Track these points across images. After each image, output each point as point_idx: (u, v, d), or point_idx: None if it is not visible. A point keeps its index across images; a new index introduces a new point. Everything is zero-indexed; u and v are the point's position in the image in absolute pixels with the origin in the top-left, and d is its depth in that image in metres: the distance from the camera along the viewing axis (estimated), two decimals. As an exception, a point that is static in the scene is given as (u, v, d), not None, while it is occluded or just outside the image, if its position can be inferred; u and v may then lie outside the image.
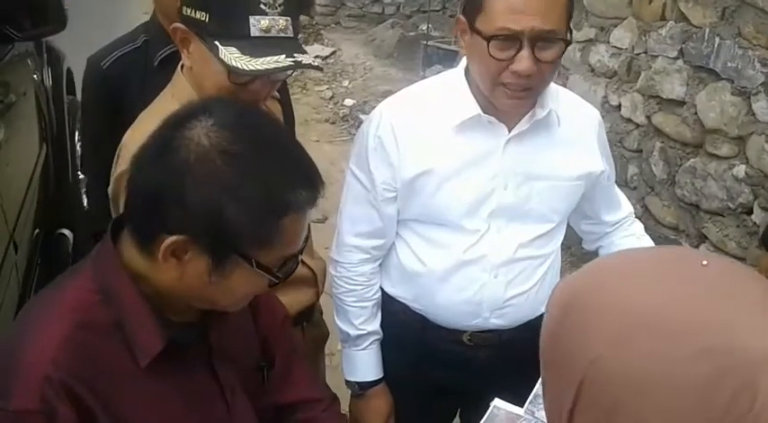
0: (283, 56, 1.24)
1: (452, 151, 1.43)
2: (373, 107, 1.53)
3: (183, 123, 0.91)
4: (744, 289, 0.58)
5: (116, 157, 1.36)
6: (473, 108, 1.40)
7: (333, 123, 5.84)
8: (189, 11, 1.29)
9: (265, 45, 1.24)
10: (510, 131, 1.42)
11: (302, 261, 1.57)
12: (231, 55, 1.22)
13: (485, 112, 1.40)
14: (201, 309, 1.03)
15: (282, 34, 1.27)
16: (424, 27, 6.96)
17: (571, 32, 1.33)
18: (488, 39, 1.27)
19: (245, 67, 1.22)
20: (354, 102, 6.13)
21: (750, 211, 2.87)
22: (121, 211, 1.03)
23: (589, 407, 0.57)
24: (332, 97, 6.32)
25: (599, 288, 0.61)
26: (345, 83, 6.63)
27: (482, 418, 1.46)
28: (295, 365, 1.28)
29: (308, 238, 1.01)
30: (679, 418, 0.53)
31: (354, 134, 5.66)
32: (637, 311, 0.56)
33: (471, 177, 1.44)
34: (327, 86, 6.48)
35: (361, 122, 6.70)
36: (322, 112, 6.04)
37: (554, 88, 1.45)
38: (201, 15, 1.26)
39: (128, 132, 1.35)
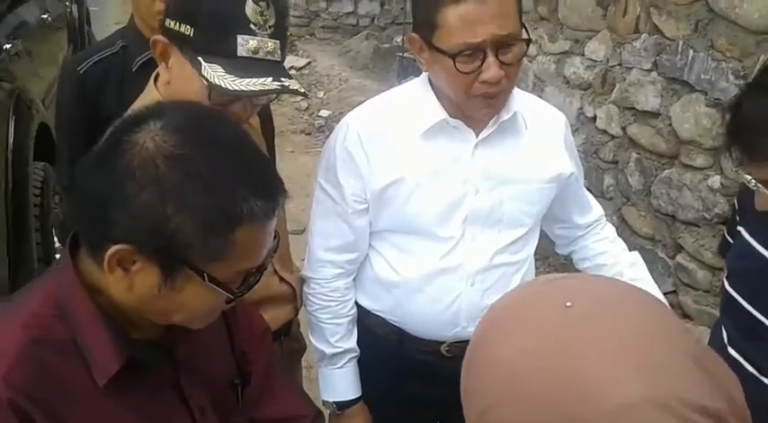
0: (270, 79, 1.20)
1: (422, 159, 1.42)
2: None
3: (132, 127, 0.86)
4: (603, 334, 0.55)
5: None
6: (439, 113, 1.39)
7: (308, 134, 5.81)
8: (173, 23, 1.22)
9: (251, 67, 1.19)
10: (477, 136, 1.41)
11: (282, 278, 1.54)
12: (215, 72, 1.17)
13: (451, 117, 1.39)
14: (165, 326, 0.98)
15: (270, 57, 1.22)
16: (399, 39, 6.97)
17: (527, 30, 1.33)
18: (453, 56, 1.26)
19: (228, 87, 1.16)
20: (330, 112, 6.10)
21: (725, 222, 2.88)
22: None
23: None
24: (307, 108, 6.28)
25: (483, 339, 0.62)
26: (321, 94, 6.60)
27: None
28: (276, 380, 1.24)
29: (275, 250, 0.94)
30: None
31: (330, 145, 5.68)
32: (501, 374, 0.57)
33: (442, 184, 1.42)
34: (302, 97, 6.44)
35: (336, 134, 6.63)
36: (297, 123, 6.00)
37: (517, 92, 1.45)
38: (186, 29, 1.20)
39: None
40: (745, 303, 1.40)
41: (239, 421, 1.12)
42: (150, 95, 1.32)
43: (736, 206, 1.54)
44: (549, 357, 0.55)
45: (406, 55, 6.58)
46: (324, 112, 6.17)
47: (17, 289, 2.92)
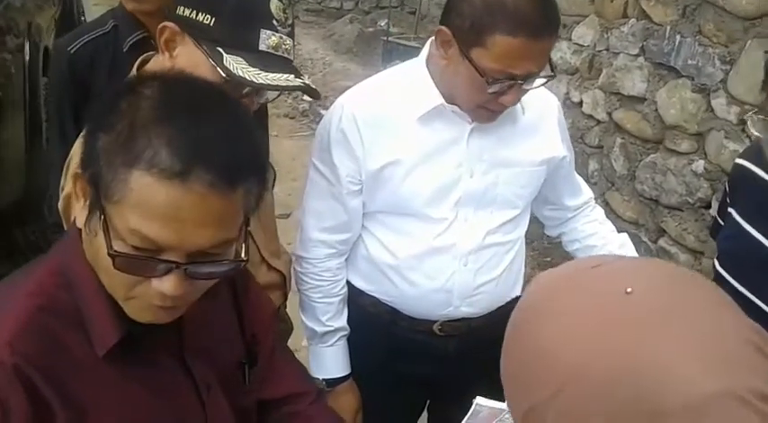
0: (292, 76, 1.18)
1: (417, 141, 1.42)
2: (333, 103, 1.50)
3: (129, 89, 0.84)
4: (671, 322, 0.52)
5: (64, 169, 1.26)
6: (436, 98, 1.39)
7: (292, 118, 5.77)
8: (187, 11, 1.18)
9: (271, 62, 1.17)
10: (473, 120, 1.41)
11: (271, 266, 1.53)
12: (238, 64, 1.14)
13: (448, 102, 1.39)
14: None
15: (286, 55, 1.21)
16: (383, 23, 6.95)
17: (551, 64, 1.37)
18: (488, 78, 1.28)
19: (254, 80, 1.13)
20: (314, 96, 6.07)
21: (708, 206, 2.92)
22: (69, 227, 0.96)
23: None
24: (291, 92, 6.24)
25: (532, 323, 0.58)
26: (305, 78, 6.55)
27: (455, 409, 1.44)
28: (279, 360, 1.23)
29: (247, 243, 0.87)
30: None
31: (315, 129, 5.64)
32: (563, 362, 0.53)
33: (437, 166, 1.42)
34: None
35: (321, 117, 6.64)
36: (281, 107, 5.96)
37: None
38: (205, 18, 1.16)
39: (77, 141, 1.20)
40: (735, 283, 1.42)
41: (247, 402, 1.11)
42: None
43: (727, 188, 1.55)
44: (619, 346, 0.51)
45: (390, 39, 6.56)
46: (307, 97, 6.13)
47: (33, 169, 3.08)
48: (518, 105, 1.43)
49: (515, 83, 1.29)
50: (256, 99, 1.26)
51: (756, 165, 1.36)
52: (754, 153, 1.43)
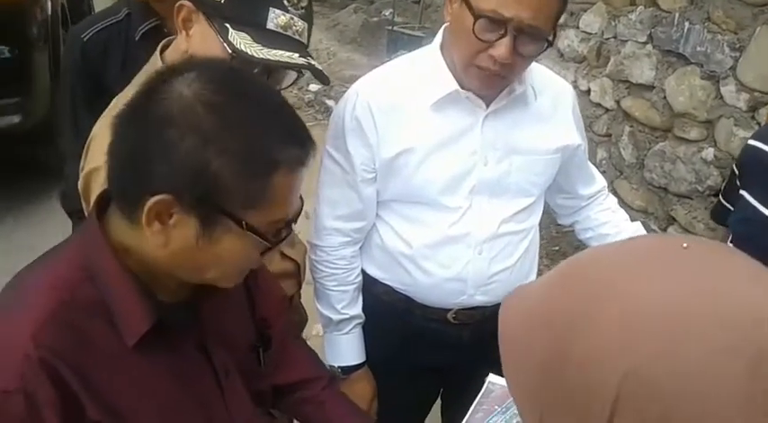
0: (296, 55, 1.18)
1: (431, 129, 1.41)
2: (339, 92, 1.51)
3: (165, 78, 0.85)
4: (734, 266, 0.53)
5: (85, 149, 1.27)
6: (451, 84, 1.38)
7: (298, 108, 5.71)
8: None
9: (279, 40, 1.17)
10: (488, 107, 1.41)
11: (285, 254, 1.54)
12: (242, 40, 1.15)
13: (462, 88, 1.38)
14: (192, 287, 0.98)
15: (297, 37, 1.20)
16: (387, 13, 6.92)
17: (555, 35, 1.33)
18: (476, 17, 1.25)
19: (255, 55, 1.14)
20: (319, 87, 6.05)
21: (718, 194, 2.91)
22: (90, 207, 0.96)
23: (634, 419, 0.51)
24: (296, 82, 6.22)
25: (608, 293, 0.53)
26: (312, 60, 6.54)
27: (469, 395, 1.44)
28: (292, 345, 1.25)
29: (300, 211, 0.94)
30: (730, 414, 0.48)
31: (320, 119, 5.65)
32: (662, 313, 0.50)
33: (451, 154, 1.42)
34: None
35: (327, 108, 6.61)
36: (286, 98, 5.95)
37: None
38: None
39: (98, 122, 1.25)
40: None
41: (262, 387, 1.12)
42: (155, 68, 1.29)
43: (737, 171, 1.55)
44: (704, 291, 0.50)
45: (395, 28, 6.54)
46: (313, 87, 6.12)
47: (55, 95, 3.62)
48: (530, 90, 1.43)
49: (506, 33, 1.25)
50: (272, 80, 1.26)
51: None
52: (765, 133, 1.43)
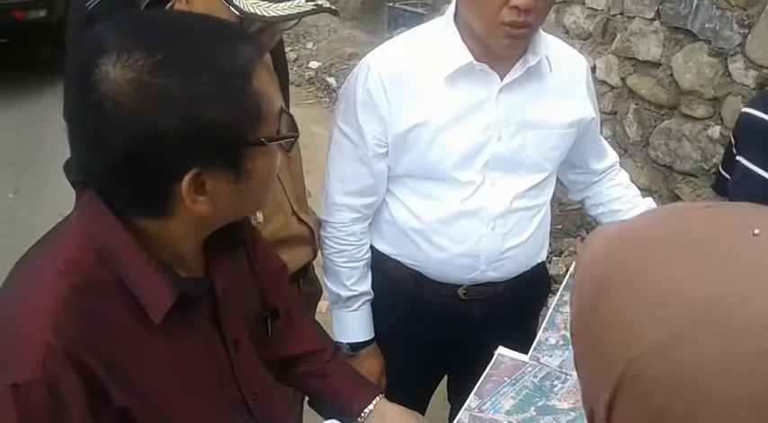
0: (303, 0, 1.15)
1: (445, 102, 1.38)
2: (340, 70, 1.49)
3: (91, 80, 0.77)
4: None
5: None
6: (465, 56, 1.35)
7: (298, 86, 5.71)
8: None
9: None
10: (502, 80, 1.38)
11: (300, 219, 1.53)
12: (247, 1, 1.13)
13: (477, 60, 1.35)
14: (205, 262, 0.97)
15: None
16: (389, -11, 6.84)
17: None
18: None
19: (265, 14, 1.12)
20: (320, 64, 6.00)
21: (724, 172, 2.90)
22: None
23: (635, 400, 0.50)
24: (296, 59, 6.17)
25: (640, 268, 0.51)
26: (309, 45, 6.49)
27: (476, 370, 1.45)
28: (295, 317, 1.24)
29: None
30: (739, 405, 0.45)
31: (321, 97, 5.61)
32: (693, 302, 0.47)
33: (464, 129, 1.40)
34: (291, 48, 6.32)
35: (327, 85, 6.55)
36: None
37: (542, 34, 1.41)
38: None
39: None
40: None
41: (269, 357, 1.12)
42: None
43: (733, 140, 1.57)
44: (755, 288, 0.46)
45: (396, 5, 6.47)
46: (313, 64, 6.07)
47: None
48: (545, 63, 1.40)
49: None
50: (278, 29, 1.25)
51: (763, 111, 1.41)
52: (759, 100, 1.47)
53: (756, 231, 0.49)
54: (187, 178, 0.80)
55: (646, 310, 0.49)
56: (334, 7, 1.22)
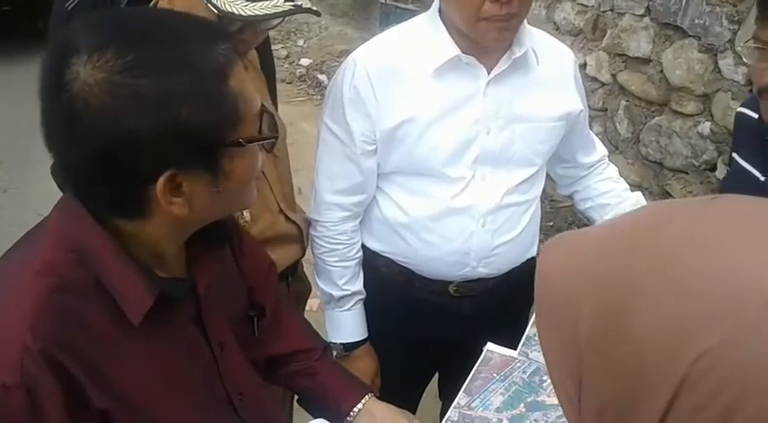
0: (282, 0, 1.15)
1: (432, 97, 1.38)
2: (331, 67, 1.48)
3: (61, 80, 0.76)
4: None
5: None
6: (451, 49, 1.35)
7: (289, 83, 5.70)
8: None
9: None
10: (489, 73, 1.38)
11: (288, 217, 1.52)
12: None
13: (464, 53, 1.35)
14: (187, 262, 0.96)
15: None
16: (381, -14, 6.82)
17: None
18: None
19: (241, 13, 1.11)
20: (311, 61, 5.99)
21: (714, 168, 2.91)
22: None
23: (696, 410, 0.46)
24: (287, 56, 6.16)
25: (675, 266, 0.47)
26: (300, 42, 6.47)
27: (466, 367, 1.45)
28: (284, 315, 1.23)
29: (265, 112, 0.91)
30: None
31: (312, 94, 5.59)
32: (746, 287, 0.44)
33: (452, 124, 1.39)
34: (282, 45, 6.31)
35: (318, 83, 6.53)
36: (277, 72, 5.86)
37: (528, 27, 1.41)
38: None
39: None
40: None
41: (255, 357, 1.11)
42: None
43: (733, 140, 1.61)
44: None
45: (387, 2, 6.46)
46: (304, 61, 6.06)
47: None
48: (531, 55, 1.40)
49: None
50: (259, 30, 1.24)
51: (754, 110, 1.42)
52: (751, 100, 1.50)
53: None
54: (162, 179, 0.79)
55: (696, 308, 0.46)
56: (314, 8, 1.21)
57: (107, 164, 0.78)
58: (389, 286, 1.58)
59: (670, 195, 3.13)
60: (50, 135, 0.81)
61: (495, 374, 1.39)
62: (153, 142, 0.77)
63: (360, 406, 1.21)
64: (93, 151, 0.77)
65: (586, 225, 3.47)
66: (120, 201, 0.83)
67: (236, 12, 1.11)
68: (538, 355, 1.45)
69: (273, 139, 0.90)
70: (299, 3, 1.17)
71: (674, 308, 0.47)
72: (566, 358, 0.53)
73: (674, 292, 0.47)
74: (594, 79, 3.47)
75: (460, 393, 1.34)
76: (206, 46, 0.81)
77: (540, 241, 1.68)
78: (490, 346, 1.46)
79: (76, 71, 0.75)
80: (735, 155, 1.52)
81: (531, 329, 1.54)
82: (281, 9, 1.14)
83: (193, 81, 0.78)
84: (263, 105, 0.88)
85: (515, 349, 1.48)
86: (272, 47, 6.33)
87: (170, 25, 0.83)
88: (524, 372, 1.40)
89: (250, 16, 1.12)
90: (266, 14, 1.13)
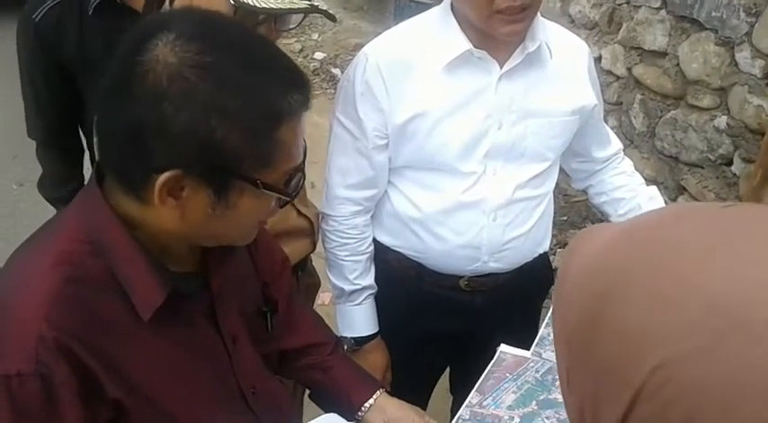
0: None
1: (444, 92, 1.37)
2: (345, 61, 1.48)
3: (142, 45, 0.78)
4: None
5: None
6: (463, 44, 1.34)
7: (302, 78, 5.70)
8: None
9: None
10: (501, 67, 1.37)
11: (300, 211, 1.52)
12: None
13: (476, 47, 1.34)
14: (201, 257, 0.96)
15: None
16: (394, -21, 6.79)
17: None
18: None
19: (258, 5, 1.11)
20: (325, 55, 5.98)
21: (730, 163, 2.88)
22: None
23: (652, 419, 0.46)
24: (301, 50, 6.15)
25: (658, 272, 0.47)
26: (315, 36, 6.45)
27: (478, 363, 1.44)
28: (296, 310, 1.24)
29: (305, 153, 0.91)
30: None
31: (326, 88, 5.59)
32: (720, 303, 0.43)
33: (464, 118, 1.38)
34: (296, 39, 6.30)
35: (332, 76, 6.52)
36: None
37: (542, 20, 1.40)
38: None
39: None
40: None
41: (268, 351, 1.11)
42: None
43: None
44: None
45: (401, -4, 6.44)
46: (318, 55, 6.05)
47: None
48: (545, 49, 1.39)
49: None
50: (276, 27, 1.23)
51: None
52: None
53: None
54: (167, 174, 0.79)
55: (667, 316, 0.45)
56: (330, 11, 1.21)
57: (134, 136, 0.79)
58: (400, 281, 1.58)
59: (685, 190, 3.10)
60: (105, 91, 0.82)
61: (507, 374, 1.39)
62: (177, 138, 0.77)
63: (371, 401, 1.21)
64: (127, 120, 0.79)
65: (600, 220, 3.44)
66: (126, 170, 0.83)
67: (251, 3, 1.11)
68: (551, 355, 1.44)
69: (288, 200, 0.88)
70: (316, 3, 1.17)
71: (645, 314, 0.46)
72: (561, 351, 0.53)
73: (648, 297, 0.46)
74: (609, 73, 3.44)
75: (472, 393, 1.34)
76: (281, 87, 0.81)
77: (554, 236, 1.66)
78: (503, 347, 1.45)
79: (156, 45, 0.77)
80: None
81: (544, 329, 1.53)
82: (298, 6, 1.15)
83: (247, 110, 0.79)
84: (301, 168, 0.88)
85: (526, 345, 1.47)
86: (287, 41, 6.28)
87: (262, 51, 0.84)
88: (537, 371, 1.39)
89: (265, 8, 1.12)
90: (281, 9, 1.14)
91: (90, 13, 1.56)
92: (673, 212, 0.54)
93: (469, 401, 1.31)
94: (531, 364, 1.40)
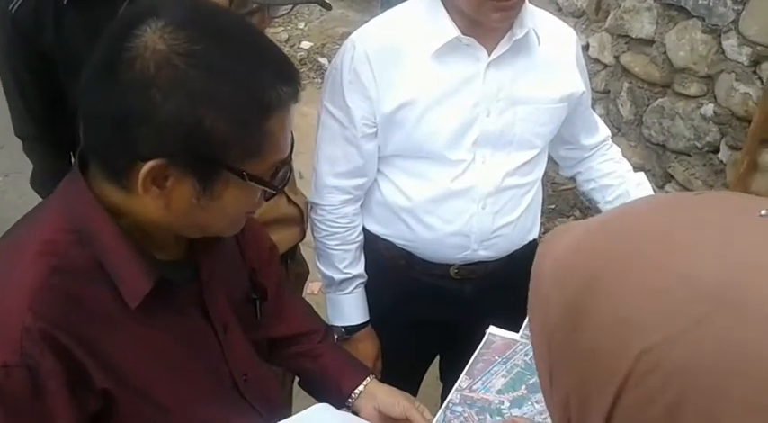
0: None
1: (432, 79, 1.37)
2: (332, 50, 1.46)
3: (130, 31, 0.77)
4: None
5: None
6: (451, 31, 1.34)
7: (290, 67, 5.67)
8: None
9: None
10: (490, 55, 1.36)
11: (290, 199, 1.52)
12: None
13: (464, 34, 1.34)
14: (188, 245, 0.95)
15: None
16: (381, -33, 6.77)
17: None
18: None
19: None
20: (312, 44, 5.94)
21: (717, 150, 2.90)
22: None
23: (640, 406, 0.46)
24: (288, 40, 6.11)
25: (637, 262, 0.47)
26: (301, 25, 6.41)
27: (468, 350, 1.44)
28: (285, 298, 1.23)
29: (293, 144, 0.90)
30: (762, 414, 0.42)
31: (313, 78, 5.56)
32: (702, 287, 0.44)
33: (453, 106, 1.38)
34: (282, 28, 6.25)
35: (320, 66, 6.48)
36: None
37: (530, 7, 1.40)
38: None
39: None
40: None
41: (257, 338, 1.11)
42: None
43: None
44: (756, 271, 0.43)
45: (388, -16, 6.42)
46: (305, 44, 6.01)
47: None
48: (533, 36, 1.38)
49: None
50: (267, 17, 1.22)
51: None
52: None
53: (763, 212, 0.46)
54: (151, 163, 0.78)
55: (650, 304, 0.45)
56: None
57: (119, 123, 0.78)
58: (390, 269, 1.58)
59: (673, 178, 3.12)
60: (90, 76, 0.81)
61: (496, 357, 1.39)
62: (164, 126, 0.76)
63: (361, 388, 1.21)
64: (113, 106, 0.78)
65: (588, 208, 3.45)
66: (110, 156, 0.83)
67: None
68: (540, 338, 1.44)
69: (274, 193, 0.88)
70: None
71: (629, 302, 0.46)
72: (541, 353, 0.53)
73: (632, 285, 0.46)
74: (597, 61, 3.44)
75: (462, 376, 1.34)
76: (271, 78, 0.80)
77: (542, 224, 1.67)
78: (492, 329, 1.46)
79: (145, 32, 0.77)
80: None
81: (533, 313, 1.54)
82: None
83: (236, 100, 0.78)
84: (288, 161, 0.87)
85: (517, 332, 1.48)
86: (273, 30, 6.22)
87: (252, 41, 0.83)
88: (526, 354, 1.40)
89: None
90: None
91: (65, 2, 1.54)
92: (647, 203, 0.54)
93: (459, 385, 1.32)
94: (521, 347, 1.41)
